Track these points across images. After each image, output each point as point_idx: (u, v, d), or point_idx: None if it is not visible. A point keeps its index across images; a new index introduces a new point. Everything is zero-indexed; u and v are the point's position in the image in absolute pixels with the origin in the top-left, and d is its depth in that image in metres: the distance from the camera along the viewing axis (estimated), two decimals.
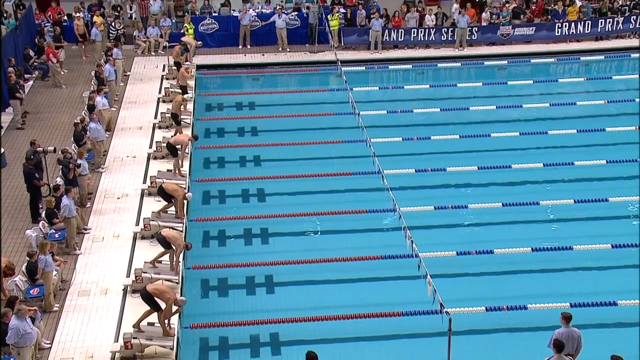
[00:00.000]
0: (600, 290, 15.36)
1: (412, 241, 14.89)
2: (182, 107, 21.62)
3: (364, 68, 28.42)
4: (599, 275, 16.19)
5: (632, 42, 30.16)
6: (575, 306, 14.33)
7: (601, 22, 30.10)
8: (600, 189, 19.28)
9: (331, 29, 28.91)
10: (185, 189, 17.94)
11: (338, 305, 15.10)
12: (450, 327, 12.26)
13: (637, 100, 24.41)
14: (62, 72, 26.36)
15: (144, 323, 13.49)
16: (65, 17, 29.66)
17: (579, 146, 21.77)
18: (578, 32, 30.05)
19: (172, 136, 20.42)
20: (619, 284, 15.74)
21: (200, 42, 27.64)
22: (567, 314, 12.19)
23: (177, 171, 18.89)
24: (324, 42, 29.22)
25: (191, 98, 23.78)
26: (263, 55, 29.21)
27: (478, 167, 20.24)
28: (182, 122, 21.39)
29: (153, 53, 29.05)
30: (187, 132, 21.06)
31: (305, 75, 28.62)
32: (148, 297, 13.35)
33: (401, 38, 29.61)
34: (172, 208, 17.06)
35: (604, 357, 11.56)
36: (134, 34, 29.36)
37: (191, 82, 24.73)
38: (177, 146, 18.90)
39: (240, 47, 29.80)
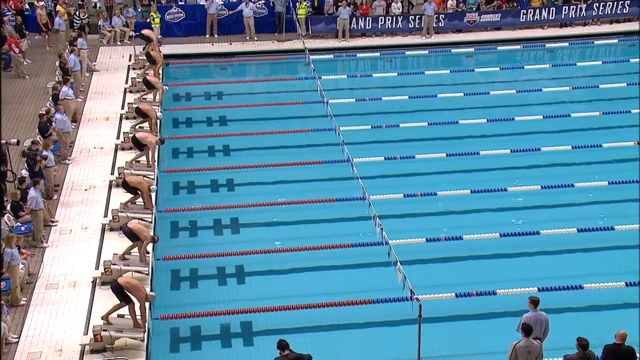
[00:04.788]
0: (566, 274, 15.58)
1: (381, 229, 14.97)
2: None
3: (332, 56, 28.37)
4: (566, 259, 16.41)
5: (595, 29, 30.55)
6: (543, 290, 14.52)
7: (565, 8, 30.45)
8: (566, 174, 19.53)
9: (299, 17, 28.83)
10: (153, 179, 17.80)
11: (309, 294, 15.12)
12: (420, 313, 12.37)
13: (601, 86, 24.83)
14: (25, 63, 25.90)
15: (113, 315, 13.38)
16: (27, 6, 29.08)
17: (545, 132, 22.03)
18: (542, 18, 30.34)
19: (132, 126, 20.21)
20: (585, 268, 16.00)
21: (160, 37, 27.09)
22: (535, 298, 12.35)
23: (135, 163, 18.71)
24: (292, 31, 29.11)
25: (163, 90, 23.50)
26: (230, 44, 29.01)
27: (446, 154, 20.35)
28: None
29: (119, 43, 28.68)
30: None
31: (273, 64, 28.49)
32: (119, 290, 13.22)
33: (369, 26, 29.63)
34: (140, 199, 16.93)
35: (571, 340, 11.75)
36: (99, 24, 28.93)
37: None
38: (142, 143, 18.65)
39: (207, 36, 29.56)
